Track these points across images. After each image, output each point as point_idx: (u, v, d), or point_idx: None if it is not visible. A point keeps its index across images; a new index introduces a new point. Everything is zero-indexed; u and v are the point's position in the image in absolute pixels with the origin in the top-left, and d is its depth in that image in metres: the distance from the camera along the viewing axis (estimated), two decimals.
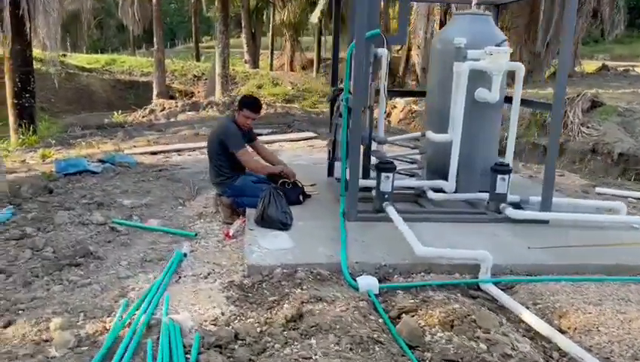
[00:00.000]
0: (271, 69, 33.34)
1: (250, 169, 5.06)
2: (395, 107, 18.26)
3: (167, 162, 7.80)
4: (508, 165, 4.91)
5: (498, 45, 4.81)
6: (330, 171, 6.01)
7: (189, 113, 14.58)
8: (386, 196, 4.76)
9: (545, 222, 4.74)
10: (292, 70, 33.14)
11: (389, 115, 18.53)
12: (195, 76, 27.56)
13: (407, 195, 5.34)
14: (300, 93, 26.82)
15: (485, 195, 5.15)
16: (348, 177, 4.95)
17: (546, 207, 4.75)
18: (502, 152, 5.38)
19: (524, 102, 5.05)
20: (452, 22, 5.40)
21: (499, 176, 4.84)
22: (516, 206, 4.93)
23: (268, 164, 5.26)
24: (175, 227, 4.89)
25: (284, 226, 4.35)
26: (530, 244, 4.25)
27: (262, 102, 18.92)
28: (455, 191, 5.05)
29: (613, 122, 13.18)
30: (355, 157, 4.57)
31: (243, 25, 30.98)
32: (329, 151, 5.97)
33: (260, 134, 10.35)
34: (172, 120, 14.01)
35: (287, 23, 27.67)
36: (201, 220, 5.08)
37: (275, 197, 4.42)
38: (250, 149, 5.17)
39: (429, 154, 5.37)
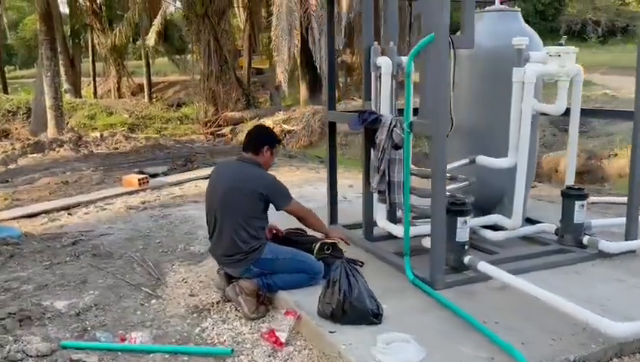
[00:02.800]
0: (95, 97, 29.98)
1: (311, 225, 3.65)
2: None
3: (64, 228, 5.65)
4: (584, 189, 4.09)
5: (559, 45, 3.97)
6: (333, 217, 4.65)
7: (34, 156, 11.77)
8: (466, 247, 3.61)
9: (633, 251, 4.00)
10: (120, 97, 30.14)
11: None
12: (8, 111, 23.38)
13: None
14: (141, 120, 24.33)
15: (546, 226, 4.29)
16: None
17: (633, 234, 4.02)
18: None
19: (591, 112, 4.28)
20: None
21: (577, 203, 3.99)
22: None
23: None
24: (180, 341, 3.15)
25: (377, 318, 2.94)
26: None
27: (105, 134, 16.29)
28: None
29: None
30: (440, 206, 3.32)
31: (59, 50, 27.23)
32: (330, 191, 4.62)
33: (156, 174, 8.52)
34: (12, 166, 11.13)
35: (117, 46, 25.00)
36: (208, 320, 3.38)
37: (356, 276, 2.99)
38: None
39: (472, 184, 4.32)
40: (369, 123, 3.81)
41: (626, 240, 4.01)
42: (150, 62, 30.59)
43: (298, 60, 17.82)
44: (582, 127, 13.50)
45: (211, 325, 3.32)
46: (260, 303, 3.38)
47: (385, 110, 3.94)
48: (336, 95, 17.93)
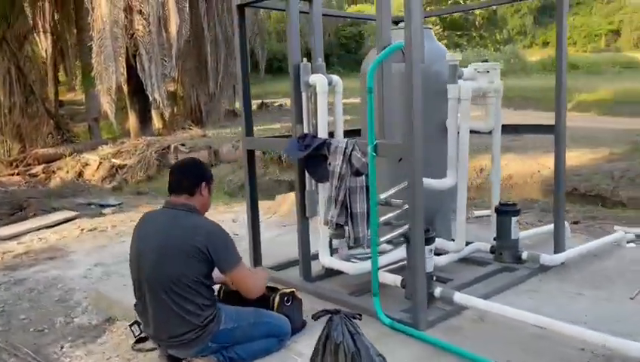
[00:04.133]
0: None
1: (255, 293, 2.81)
2: (87, 164, 15.24)
3: None
4: (517, 205, 4.05)
5: (485, 61, 3.92)
6: (257, 258, 4.00)
7: None
8: (434, 278, 3.29)
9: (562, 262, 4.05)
10: None
11: (80, 174, 15.45)
12: None
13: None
14: None
15: (481, 245, 4.18)
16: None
17: (562, 246, 4.08)
18: None
19: (512, 127, 4.27)
20: None
21: (513, 219, 3.94)
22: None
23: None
24: None
25: None
26: (605, 293, 3.52)
27: None
28: None
29: None
30: (419, 236, 2.94)
31: None
32: (252, 229, 3.97)
33: None
34: None
35: None
36: None
37: (361, 334, 2.43)
38: None
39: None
40: (314, 149, 3.30)
41: (556, 251, 4.07)
42: None
43: (125, 89, 16.38)
44: None
45: None
46: None
47: (322, 132, 3.48)
48: (163, 125, 16.55)
